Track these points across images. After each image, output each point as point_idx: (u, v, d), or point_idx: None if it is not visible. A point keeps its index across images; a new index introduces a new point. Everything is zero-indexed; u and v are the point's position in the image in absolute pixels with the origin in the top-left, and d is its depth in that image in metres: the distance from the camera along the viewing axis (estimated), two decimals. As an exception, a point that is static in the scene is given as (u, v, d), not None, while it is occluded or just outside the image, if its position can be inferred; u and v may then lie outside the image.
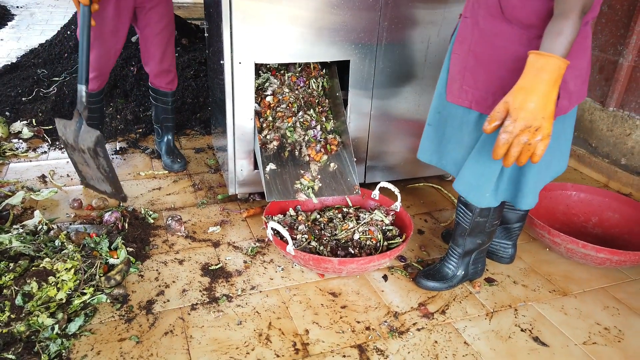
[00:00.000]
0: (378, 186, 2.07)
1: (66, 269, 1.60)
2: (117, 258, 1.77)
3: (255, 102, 2.14)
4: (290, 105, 2.18)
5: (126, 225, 2.00)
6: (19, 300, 1.48)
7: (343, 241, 1.89)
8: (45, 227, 1.90)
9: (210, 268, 1.84)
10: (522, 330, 1.64)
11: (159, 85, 2.45)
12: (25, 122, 2.99)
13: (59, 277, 1.57)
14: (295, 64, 2.23)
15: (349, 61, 2.07)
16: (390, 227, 1.95)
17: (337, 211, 2.08)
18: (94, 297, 1.61)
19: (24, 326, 1.43)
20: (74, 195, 2.29)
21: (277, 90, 2.19)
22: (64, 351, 1.43)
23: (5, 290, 1.52)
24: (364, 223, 1.94)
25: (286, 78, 2.22)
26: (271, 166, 2.06)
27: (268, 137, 2.13)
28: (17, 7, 6.74)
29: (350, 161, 2.12)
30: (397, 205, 2.01)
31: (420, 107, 2.28)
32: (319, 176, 2.09)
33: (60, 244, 1.77)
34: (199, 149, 2.87)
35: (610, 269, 1.97)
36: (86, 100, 2.06)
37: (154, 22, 2.28)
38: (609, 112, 2.74)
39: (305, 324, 1.61)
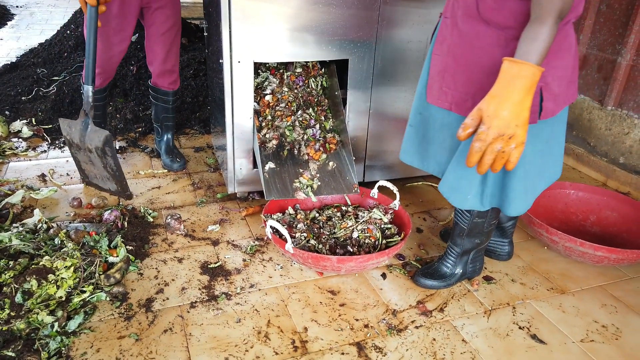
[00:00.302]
0: (377, 185, 2.08)
1: (66, 267, 1.61)
2: (117, 256, 1.77)
3: (255, 101, 2.15)
4: (289, 104, 2.18)
5: (126, 223, 2.01)
6: (18, 298, 1.49)
7: (342, 239, 1.90)
8: (45, 226, 1.91)
9: (209, 266, 1.85)
10: (520, 328, 1.64)
11: (161, 84, 2.45)
12: (25, 121, 3.00)
13: (58, 275, 1.58)
14: (294, 63, 2.23)
15: (347, 60, 2.08)
16: (389, 226, 1.95)
17: (336, 210, 2.08)
18: (93, 295, 1.61)
19: (23, 324, 1.44)
20: (74, 194, 2.30)
21: (276, 89, 2.19)
22: (63, 349, 1.44)
23: (5, 288, 1.53)
24: (363, 221, 1.94)
25: (285, 77, 2.23)
26: (270, 165, 2.07)
27: (267, 136, 2.13)
28: (17, 6, 6.75)
29: (349, 160, 2.13)
30: (396, 203, 2.01)
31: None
32: (318, 175, 2.10)
33: (60, 242, 1.78)
34: (199, 148, 2.88)
35: (608, 267, 1.98)
36: (92, 100, 2.07)
37: (159, 22, 2.28)
38: (608, 111, 2.75)
39: (304, 322, 1.61)
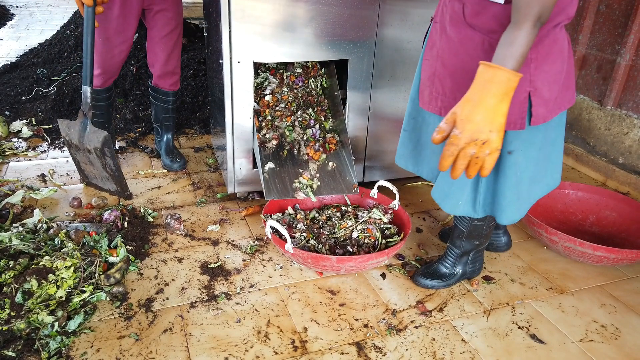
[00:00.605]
0: (376, 185, 2.08)
1: (66, 267, 1.61)
2: (117, 256, 1.77)
3: (254, 101, 2.15)
4: (289, 104, 2.19)
5: (125, 223, 2.01)
6: (19, 298, 1.49)
7: (341, 239, 1.90)
8: (45, 226, 1.91)
9: (209, 266, 1.85)
10: (519, 327, 1.65)
11: (162, 85, 2.45)
12: (24, 121, 3.00)
13: (58, 275, 1.58)
14: (294, 63, 2.23)
15: (347, 60, 2.08)
16: (389, 226, 1.96)
17: (335, 210, 2.08)
18: (93, 295, 1.62)
19: (24, 324, 1.44)
20: (74, 194, 2.30)
21: (276, 90, 2.20)
22: (63, 348, 1.44)
23: (5, 288, 1.53)
24: (363, 221, 1.95)
25: (285, 77, 2.23)
26: (270, 165, 2.07)
27: (267, 136, 2.13)
28: (17, 6, 6.75)
29: (348, 160, 2.13)
30: (396, 203, 2.01)
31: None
32: (318, 175, 2.10)
33: (60, 242, 1.78)
34: (198, 148, 2.88)
35: (608, 267, 1.98)
36: (91, 99, 2.07)
37: (161, 24, 2.28)
38: (607, 111, 2.75)
39: (303, 322, 1.61)
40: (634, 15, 2.50)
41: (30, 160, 2.62)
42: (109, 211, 2.05)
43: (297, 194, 2.03)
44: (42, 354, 1.40)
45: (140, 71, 3.32)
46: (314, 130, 2.17)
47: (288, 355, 1.48)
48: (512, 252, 2.06)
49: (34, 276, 1.54)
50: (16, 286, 1.52)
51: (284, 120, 2.16)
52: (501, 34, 1.23)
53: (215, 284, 1.76)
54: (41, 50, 4.07)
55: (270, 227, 1.81)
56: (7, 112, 3.08)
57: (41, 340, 1.44)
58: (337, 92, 2.19)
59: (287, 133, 2.15)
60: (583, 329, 1.66)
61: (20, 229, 1.86)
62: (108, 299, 1.64)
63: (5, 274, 1.57)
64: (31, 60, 3.92)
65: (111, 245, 1.83)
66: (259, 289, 1.75)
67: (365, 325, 1.61)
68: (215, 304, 1.67)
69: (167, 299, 1.68)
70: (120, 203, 2.24)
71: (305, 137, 2.16)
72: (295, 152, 2.14)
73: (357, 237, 1.89)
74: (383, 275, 1.87)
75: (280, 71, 2.24)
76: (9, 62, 3.96)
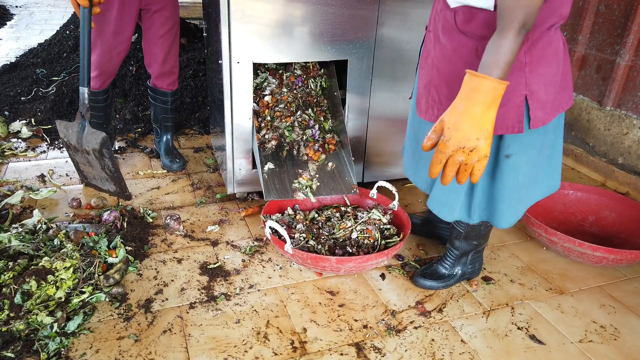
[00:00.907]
0: (376, 185, 2.08)
1: (65, 267, 1.61)
2: (116, 257, 1.77)
3: (254, 102, 2.15)
4: (288, 104, 2.19)
5: (125, 224, 2.01)
6: (18, 299, 1.49)
7: (341, 240, 1.90)
8: (44, 226, 1.91)
9: (208, 267, 1.85)
10: (518, 328, 1.65)
11: (160, 85, 2.45)
12: (24, 121, 3.00)
13: (58, 276, 1.58)
14: (293, 63, 2.23)
15: (347, 61, 2.08)
16: (388, 226, 1.96)
17: (335, 210, 2.08)
18: (92, 296, 1.62)
19: (23, 324, 1.44)
20: (73, 194, 2.30)
21: (276, 90, 2.20)
22: (62, 349, 1.44)
23: (4, 289, 1.53)
24: (362, 222, 1.95)
25: (285, 78, 2.23)
26: (269, 165, 2.07)
27: (266, 136, 2.13)
28: (16, 6, 6.74)
29: (348, 160, 2.13)
30: (395, 204, 2.01)
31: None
32: (317, 175, 2.10)
33: (59, 243, 1.78)
34: (198, 148, 2.88)
35: (607, 268, 1.98)
36: (89, 101, 2.07)
37: (158, 24, 2.28)
38: (606, 112, 2.75)
39: (303, 323, 1.61)
40: (634, 15, 2.50)
41: (29, 160, 2.62)
42: (109, 212, 2.05)
43: (297, 195, 2.03)
44: (41, 355, 1.40)
45: (139, 71, 3.32)
46: (313, 130, 2.17)
47: (287, 356, 1.48)
48: (512, 253, 2.06)
49: (33, 277, 1.54)
50: (15, 287, 1.52)
51: (283, 120, 2.16)
52: None
53: (214, 285, 1.76)
54: (41, 51, 4.06)
55: (270, 227, 1.81)
56: (6, 113, 3.08)
57: (40, 341, 1.43)
58: (337, 93, 2.19)
59: (287, 133, 2.15)
60: (582, 329, 1.66)
61: (20, 229, 1.86)
62: (107, 299, 1.64)
63: (4, 275, 1.57)
64: (30, 60, 3.92)
65: (110, 246, 1.83)
66: (259, 290, 1.75)
67: (365, 326, 1.61)
68: (214, 304, 1.67)
69: (167, 299, 1.68)
70: (120, 203, 2.24)
71: (304, 137, 2.16)
72: (295, 152, 2.14)
73: (357, 237, 1.89)
74: (382, 276, 1.86)
75: (280, 71, 2.24)
76: (8, 63, 3.95)
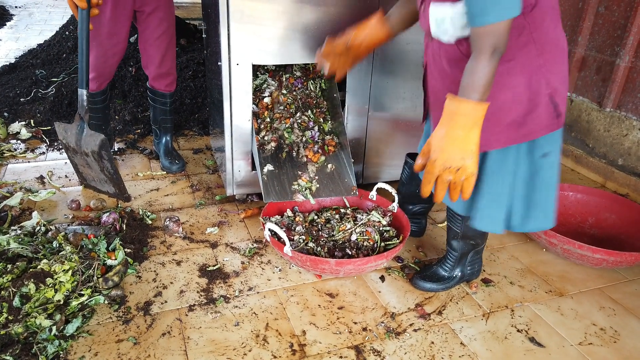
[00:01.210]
0: (375, 187, 2.07)
1: (64, 270, 1.61)
2: (115, 259, 1.77)
3: (253, 103, 2.15)
4: (288, 106, 2.18)
5: (124, 226, 2.01)
6: (16, 302, 1.49)
7: (340, 242, 1.89)
8: (43, 228, 1.91)
9: (207, 269, 1.85)
10: (518, 330, 1.64)
11: (158, 87, 2.45)
12: (23, 122, 2.99)
13: (56, 279, 1.58)
14: (292, 65, 2.23)
15: (346, 62, 2.08)
16: (388, 228, 1.95)
17: (334, 212, 2.08)
18: (91, 299, 1.61)
19: (21, 327, 1.44)
20: (72, 196, 2.30)
21: (275, 92, 2.19)
22: (61, 352, 1.44)
23: (2, 292, 1.52)
24: (361, 224, 1.94)
25: (284, 79, 2.22)
26: (269, 167, 2.07)
27: (266, 138, 2.13)
28: (16, 7, 6.74)
29: (347, 162, 2.13)
30: (395, 206, 2.01)
31: (418, 108, 2.29)
32: (317, 177, 2.10)
33: (58, 245, 1.78)
34: (197, 149, 2.87)
35: (607, 270, 1.98)
36: (87, 102, 2.07)
37: (153, 26, 2.27)
38: (606, 113, 2.75)
39: (302, 325, 1.61)
40: (633, 17, 2.50)
41: (28, 162, 2.62)
42: (108, 213, 2.05)
43: (296, 196, 2.03)
44: (40, 358, 1.39)
45: (139, 72, 3.31)
46: (313, 132, 2.17)
47: (287, 359, 1.48)
48: (511, 255, 2.05)
49: (32, 280, 1.54)
50: (14, 290, 1.51)
51: (282, 122, 2.16)
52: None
53: (213, 287, 1.76)
54: (40, 51, 4.06)
55: (269, 229, 1.81)
56: (5, 114, 3.07)
57: (39, 345, 1.43)
58: (336, 94, 2.19)
59: (286, 135, 2.15)
60: (582, 332, 1.65)
61: (19, 231, 1.86)
62: (106, 302, 1.64)
63: (2, 278, 1.57)
64: (30, 61, 3.92)
65: (109, 248, 1.83)
66: (258, 292, 1.75)
67: (364, 329, 1.61)
68: (213, 307, 1.67)
69: (166, 302, 1.68)
70: (119, 205, 2.23)
71: (304, 139, 2.16)
72: (294, 154, 2.14)
73: (356, 239, 1.89)
74: (382, 278, 1.86)
75: (280, 73, 2.24)
76: (7, 63, 3.95)
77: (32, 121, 3.01)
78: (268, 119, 2.16)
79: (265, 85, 2.20)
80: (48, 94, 3.26)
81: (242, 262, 1.90)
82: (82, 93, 2.05)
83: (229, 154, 2.12)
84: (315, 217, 2.03)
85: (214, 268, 1.85)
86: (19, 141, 2.83)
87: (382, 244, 1.88)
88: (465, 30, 1.29)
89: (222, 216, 2.21)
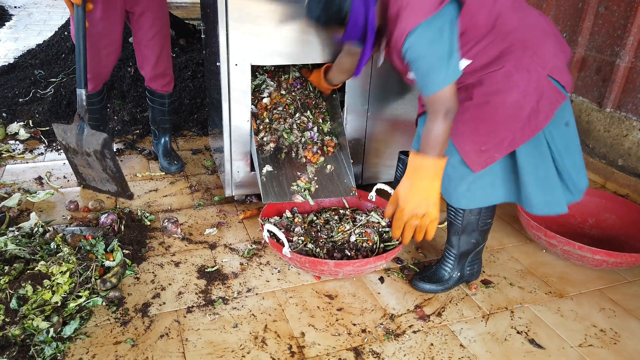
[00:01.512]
0: (375, 188, 2.07)
1: (61, 272, 1.60)
2: (113, 260, 1.76)
3: (252, 104, 2.14)
4: (287, 107, 2.17)
5: (122, 227, 2.00)
6: (13, 304, 1.48)
7: (339, 243, 1.89)
8: (41, 230, 1.90)
9: (206, 270, 1.84)
10: (518, 332, 1.64)
11: (155, 87, 2.44)
12: (22, 123, 2.99)
13: (54, 280, 1.57)
14: (291, 65, 2.22)
15: (345, 63, 2.07)
16: (387, 229, 1.95)
17: (333, 213, 2.07)
18: (89, 300, 1.60)
19: (18, 330, 1.43)
20: (71, 197, 2.29)
21: (274, 92, 2.18)
22: (59, 354, 1.43)
23: (0, 294, 1.51)
24: (361, 225, 1.94)
25: (283, 80, 2.22)
26: (268, 168, 2.06)
27: (265, 138, 2.12)
28: (15, 7, 6.74)
29: (346, 163, 2.12)
30: (394, 207, 2.00)
31: (417, 109, 2.28)
32: (316, 178, 2.09)
33: (55, 246, 1.77)
34: (196, 150, 2.87)
35: (607, 271, 1.97)
36: (87, 104, 2.06)
37: (146, 27, 2.26)
38: (606, 113, 2.74)
39: (301, 327, 1.60)
40: (633, 17, 2.49)
41: (27, 162, 2.61)
42: (106, 214, 2.04)
43: (295, 197, 2.02)
44: (37, 360, 1.39)
45: (138, 73, 3.30)
46: (312, 132, 2.16)
47: (285, 361, 1.47)
48: (511, 256, 2.05)
49: (29, 281, 1.53)
50: (11, 292, 1.51)
51: (281, 122, 2.15)
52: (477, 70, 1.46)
53: (212, 289, 1.75)
54: (39, 52, 4.05)
55: (268, 230, 1.80)
56: (4, 114, 3.07)
57: (36, 347, 1.42)
58: (335, 95, 2.18)
59: (285, 136, 2.14)
60: (582, 333, 1.65)
61: (16, 233, 1.85)
62: (104, 304, 1.63)
63: (0, 280, 1.56)
64: (29, 61, 3.91)
65: (107, 249, 1.82)
66: (257, 294, 1.74)
67: (363, 330, 1.60)
68: (212, 308, 1.66)
69: (164, 303, 1.67)
70: (117, 206, 2.22)
71: (303, 139, 2.15)
72: (293, 155, 2.13)
73: (355, 240, 1.88)
74: (381, 279, 1.85)
75: (279, 73, 2.23)
76: (6, 63, 3.94)
77: (30, 122, 3.00)
78: (267, 120, 2.15)
79: (264, 86, 2.19)
80: (47, 94, 3.25)
81: (241, 263, 1.90)
82: (81, 93, 2.04)
83: (228, 155, 2.12)
84: (315, 218, 2.03)
85: (213, 269, 1.85)
86: (17, 142, 2.82)
87: (382, 245, 1.87)
88: None
89: (221, 217, 2.21)
